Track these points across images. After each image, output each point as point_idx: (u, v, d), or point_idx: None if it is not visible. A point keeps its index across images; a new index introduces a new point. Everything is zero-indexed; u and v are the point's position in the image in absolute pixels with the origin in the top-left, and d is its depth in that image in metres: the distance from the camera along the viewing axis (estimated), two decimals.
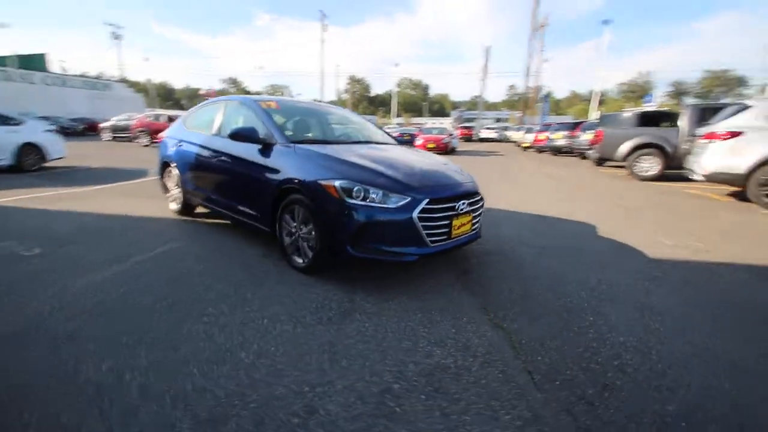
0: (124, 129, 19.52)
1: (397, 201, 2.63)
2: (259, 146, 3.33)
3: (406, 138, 20.79)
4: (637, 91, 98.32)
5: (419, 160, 3.36)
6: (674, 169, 8.81)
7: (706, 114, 8.49)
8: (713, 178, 6.21)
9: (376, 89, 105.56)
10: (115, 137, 20.28)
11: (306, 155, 3.04)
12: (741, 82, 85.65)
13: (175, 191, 4.73)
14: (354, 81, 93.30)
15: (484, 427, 1.56)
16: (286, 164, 3.06)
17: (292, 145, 3.19)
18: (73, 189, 6.39)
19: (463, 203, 2.94)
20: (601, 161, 11.84)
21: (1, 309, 2.33)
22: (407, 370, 1.88)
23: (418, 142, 17.60)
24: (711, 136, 6.21)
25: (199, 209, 4.96)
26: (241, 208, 3.55)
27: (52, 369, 1.81)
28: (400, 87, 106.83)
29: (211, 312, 2.36)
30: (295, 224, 3.01)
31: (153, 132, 17.19)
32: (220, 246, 3.64)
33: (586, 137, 13.95)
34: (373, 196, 2.63)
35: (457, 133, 28.44)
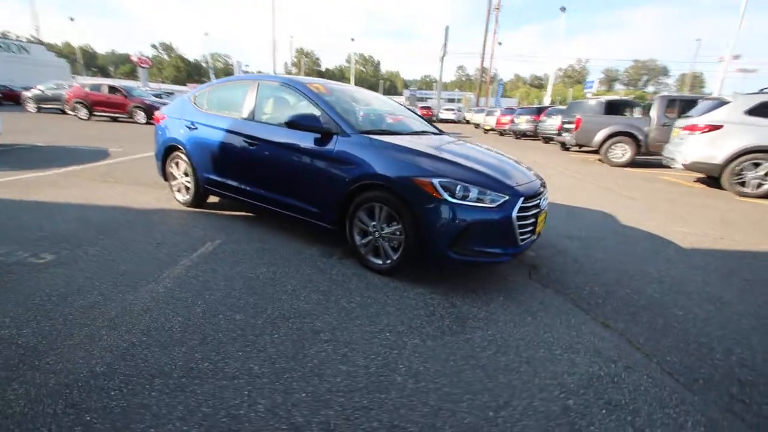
0: (55, 99, 17.06)
1: (496, 200, 2.52)
2: (317, 136, 3.03)
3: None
4: (575, 76, 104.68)
5: (490, 154, 3.25)
6: (644, 156, 9.55)
7: (674, 104, 9.22)
8: (692, 167, 6.78)
9: (327, 63, 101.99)
10: (40, 108, 17.69)
11: (385, 148, 2.81)
12: (664, 71, 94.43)
13: (183, 180, 4.21)
14: (302, 53, 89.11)
15: None
16: (361, 158, 2.80)
17: (364, 136, 2.92)
18: (35, 173, 5.48)
19: (544, 199, 2.92)
20: (566, 147, 12.46)
21: (38, 365, 1.78)
22: (567, 382, 1.84)
23: None
24: (692, 128, 6.74)
25: (212, 199, 4.48)
26: (292, 202, 3.24)
27: None
28: (350, 62, 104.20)
29: (322, 327, 2.13)
30: (374, 223, 2.79)
31: (93, 104, 15.21)
32: (267, 244, 3.31)
33: (552, 122, 14.62)
34: (474, 194, 2.50)
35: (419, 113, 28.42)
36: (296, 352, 1.90)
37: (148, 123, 14.68)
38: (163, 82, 74.10)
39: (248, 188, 3.57)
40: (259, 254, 3.09)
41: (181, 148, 4.11)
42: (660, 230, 4.34)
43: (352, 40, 58.36)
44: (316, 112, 3.15)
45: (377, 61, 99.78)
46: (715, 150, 6.45)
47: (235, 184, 3.68)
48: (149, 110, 14.87)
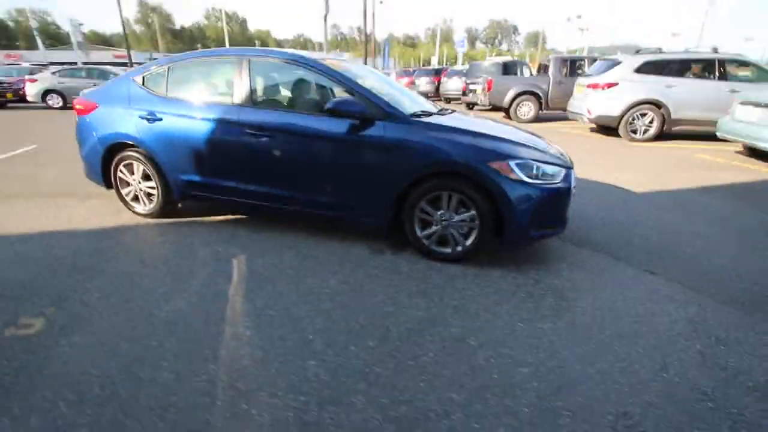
0: None
1: (558, 175, 2.63)
2: (354, 123, 2.69)
3: None
4: (442, 35, 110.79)
5: (514, 128, 3.30)
6: (544, 112, 10.85)
7: (566, 64, 10.53)
8: (597, 120, 7.97)
9: (182, 20, 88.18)
10: None
11: (446, 131, 2.65)
12: (515, 30, 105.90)
13: (143, 186, 3.38)
14: (148, 8, 75.11)
15: None
16: (424, 143, 2.60)
17: (417, 120, 2.70)
18: None
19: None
20: (471, 106, 13.39)
21: None
22: (677, 328, 2.11)
23: None
24: (595, 86, 7.85)
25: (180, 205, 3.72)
26: (327, 200, 2.89)
27: None
28: (209, 20, 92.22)
29: (459, 333, 2.02)
30: (441, 212, 2.67)
31: None
32: (300, 251, 2.92)
33: (454, 84, 15.44)
34: (543, 171, 2.56)
35: None
36: (468, 367, 1.78)
37: None
38: None
39: (256, 188, 3.04)
40: (305, 264, 2.72)
41: (137, 146, 3.24)
42: (607, 179, 5.08)
43: None
44: (346, 94, 2.78)
45: (242, 18, 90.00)
46: (613, 104, 7.65)
47: (234, 185, 3.09)
48: None
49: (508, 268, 2.71)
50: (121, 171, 3.41)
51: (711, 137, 7.31)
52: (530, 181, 2.49)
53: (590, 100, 7.93)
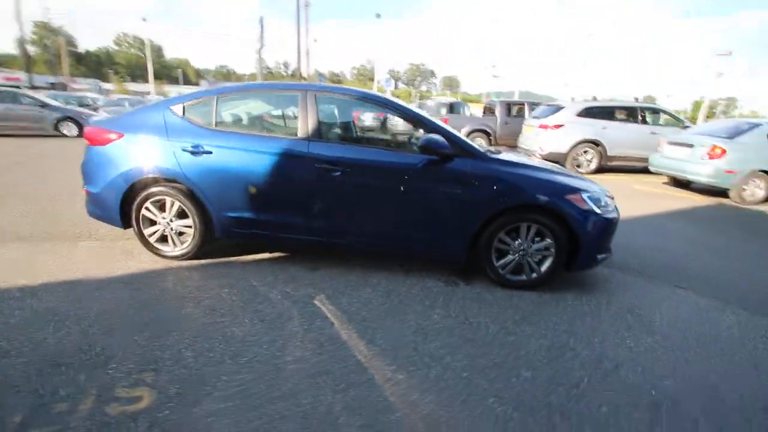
0: None
1: (611, 205, 2.97)
2: (433, 158, 2.78)
3: None
4: (367, 74, 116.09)
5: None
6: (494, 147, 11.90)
7: (510, 107, 11.79)
8: (549, 156, 8.94)
9: (86, 44, 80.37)
10: None
11: (521, 167, 2.86)
12: (432, 73, 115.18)
13: (176, 224, 3.03)
14: (44, 28, 67.30)
15: None
16: (506, 180, 2.76)
17: (493, 157, 2.87)
18: None
19: None
20: None
21: None
22: (726, 333, 2.48)
23: None
24: (545, 126, 8.90)
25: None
26: (403, 235, 2.89)
27: None
28: (120, 45, 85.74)
29: (582, 361, 2.13)
30: (518, 242, 2.82)
31: None
32: (376, 286, 2.82)
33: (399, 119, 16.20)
34: (606, 202, 2.88)
35: None
36: (621, 385, 1.89)
37: None
38: None
39: (323, 224, 2.91)
40: (392, 300, 2.65)
41: (176, 181, 2.93)
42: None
43: (144, 19, 47.06)
44: (420, 131, 2.88)
45: (158, 45, 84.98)
46: (561, 142, 8.72)
47: (296, 221, 2.93)
48: None
49: (572, 292, 2.93)
50: (147, 209, 3.01)
51: (639, 171, 8.67)
52: (598, 210, 2.78)
53: (542, 139, 8.94)
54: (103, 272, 2.85)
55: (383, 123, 3.23)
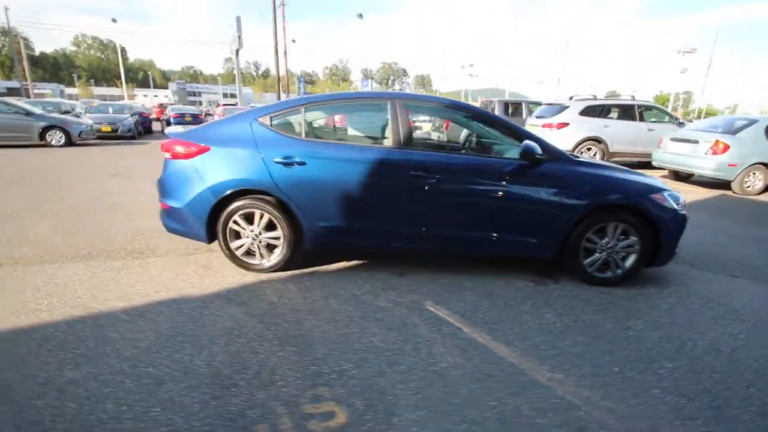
0: None
1: (683, 203, 3.16)
2: (524, 163, 2.89)
3: (186, 119, 17.43)
4: (340, 74, 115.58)
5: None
6: None
7: (508, 106, 12.11)
8: None
9: (43, 45, 75.85)
10: None
11: (602, 168, 3.02)
12: (404, 72, 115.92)
13: (264, 237, 3.01)
14: None
15: None
16: (594, 181, 2.90)
17: (576, 159, 3.01)
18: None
19: None
20: None
21: None
22: None
23: None
24: (550, 126, 9.22)
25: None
26: (501, 237, 2.96)
27: None
28: (79, 47, 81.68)
29: (702, 350, 2.29)
30: (605, 240, 2.97)
31: None
32: (472, 289, 2.90)
33: None
34: (681, 201, 3.07)
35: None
36: (731, 364, 2.06)
37: None
38: None
39: (419, 231, 2.96)
40: (497, 301, 2.73)
41: (267, 193, 2.90)
42: None
43: (114, 20, 44.46)
44: (507, 138, 2.99)
45: (121, 47, 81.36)
46: (566, 141, 9.05)
47: (389, 228, 2.97)
48: None
49: (652, 287, 3.10)
50: (235, 222, 2.97)
51: (637, 166, 9.12)
52: (677, 208, 2.97)
53: (547, 138, 9.23)
54: (197, 289, 2.79)
55: (479, 130, 3.30)
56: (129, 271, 3.08)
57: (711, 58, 31.09)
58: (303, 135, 2.98)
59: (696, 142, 7.10)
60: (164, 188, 3.07)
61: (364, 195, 2.90)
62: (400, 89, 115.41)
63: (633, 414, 1.72)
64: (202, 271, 3.09)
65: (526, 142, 2.82)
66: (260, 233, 2.99)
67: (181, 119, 17.33)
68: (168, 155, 3.02)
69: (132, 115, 13.96)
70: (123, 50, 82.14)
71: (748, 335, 2.43)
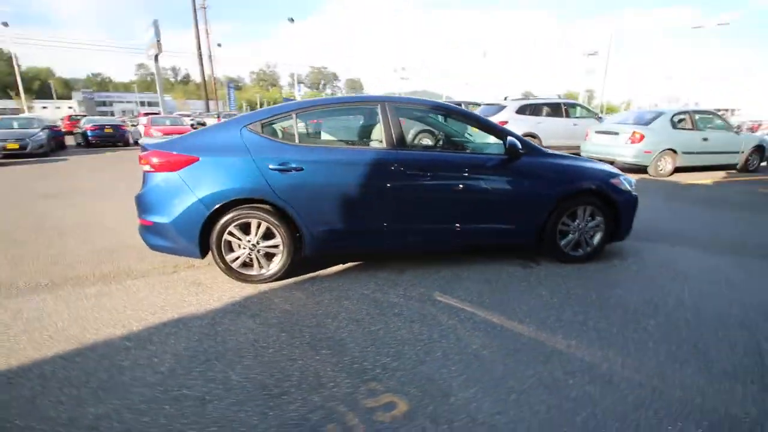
0: None
1: (634, 186, 3.66)
2: (504, 158, 3.17)
3: (107, 131, 15.96)
4: (268, 79, 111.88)
5: None
6: None
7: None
8: None
9: None
10: None
11: (571, 159, 3.39)
12: (335, 76, 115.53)
13: (262, 246, 2.96)
14: None
15: None
16: (566, 171, 3.26)
17: (548, 152, 3.35)
18: None
19: None
20: None
21: None
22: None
23: (158, 136, 13.93)
24: None
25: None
26: (484, 227, 3.21)
27: None
28: None
29: (687, 307, 2.71)
30: (576, 222, 3.34)
31: None
32: (467, 279, 3.11)
33: None
34: (633, 184, 3.55)
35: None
36: (725, 314, 2.49)
37: None
38: None
39: (417, 226, 3.11)
40: (495, 285, 2.96)
41: (264, 201, 2.86)
42: None
43: (6, 24, 37.32)
44: (490, 136, 3.25)
45: (8, 53, 70.98)
46: None
47: (387, 227, 3.07)
48: None
49: (617, 259, 3.55)
50: (230, 233, 2.87)
51: None
52: (631, 190, 3.44)
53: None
54: (197, 307, 2.66)
55: (460, 129, 3.51)
56: (109, 296, 2.83)
57: (608, 60, 35.16)
58: (297, 140, 2.97)
59: (617, 133, 8.13)
60: (146, 203, 2.87)
61: (363, 196, 2.97)
62: (332, 93, 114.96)
63: (641, 364, 2.01)
64: (195, 289, 2.94)
65: (510, 138, 3.09)
66: (258, 242, 2.92)
67: (100, 131, 15.72)
68: (148, 168, 2.83)
69: (43, 129, 12.35)
70: (10, 57, 71.97)
71: (701, 291, 2.90)
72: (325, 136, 3.07)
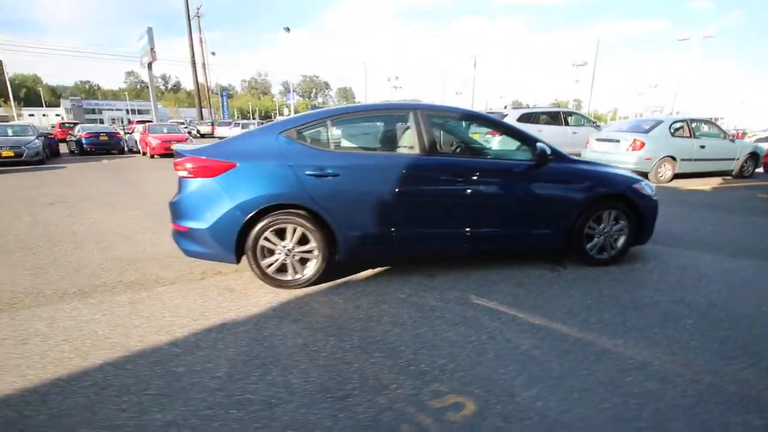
0: None
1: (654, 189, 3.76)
2: (532, 164, 3.24)
3: (102, 139, 15.81)
4: (260, 87, 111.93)
5: None
6: None
7: None
8: None
9: None
10: None
11: (596, 165, 3.47)
12: (327, 85, 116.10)
13: (296, 251, 2.97)
14: None
15: None
16: (589, 177, 3.34)
17: (572, 157, 3.43)
18: None
19: None
20: None
21: None
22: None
23: (154, 144, 13.83)
24: (493, 133, 10.04)
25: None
26: (519, 231, 3.27)
27: None
28: None
29: (710, 300, 2.79)
30: (602, 226, 3.41)
31: None
32: (501, 282, 3.15)
33: None
34: (654, 189, 3.65)
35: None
36: (744, 313, 2.57)
37: None
38: None
39: (451, 231, 3.14)
40: (528, 289, 3.01)
41: (300, 206, 2.88)
42: None
43: None
44: (516, 142, 3.32)
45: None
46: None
47: (423, 231, 3.10)
48: None
49: (640, 262, 3.63)
50: (266, 239, 2.87)
51: None
52: (652, 195, 3.54)
53: (494, 143, 10.07)
54: (237, 312, 2.65)
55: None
56: (143, 304, 2.80)
57: (594, 70, 35.96)
58: (332, 146, 3.00)
59: (618, 141, 8.33)
60: (182, 209, 2.86)
61: (398, 201, 3.00)
62: (323, 102, 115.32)
63: (690, 361, 2.07)
64: (230, 295, 2.92)
65: (539, 144, 3.17)
66: (293, 248, 2.93)
67: (95, 139, 15.53)
68: (185, 174, 2.83)
69: (38, 137, 12.16)
70: (2, 64, 70.93)
71: (728, 292, 2.98)
72: (358, 142, 3.11)
